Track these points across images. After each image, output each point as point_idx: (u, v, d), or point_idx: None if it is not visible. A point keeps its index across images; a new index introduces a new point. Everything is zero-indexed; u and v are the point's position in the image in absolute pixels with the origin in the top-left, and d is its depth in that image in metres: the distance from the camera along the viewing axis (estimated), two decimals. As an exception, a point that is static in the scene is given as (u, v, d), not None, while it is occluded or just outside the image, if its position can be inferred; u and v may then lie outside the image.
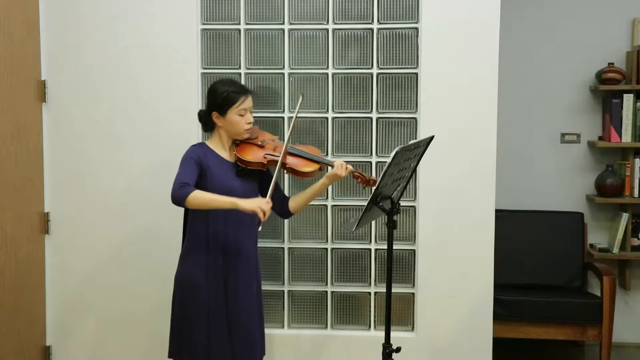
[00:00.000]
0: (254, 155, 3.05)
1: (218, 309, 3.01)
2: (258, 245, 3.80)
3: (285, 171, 3.11)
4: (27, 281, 3.69)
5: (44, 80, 3.79)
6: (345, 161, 3.15)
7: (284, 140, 3.12)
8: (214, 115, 3.04)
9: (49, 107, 3.81)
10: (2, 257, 3.47)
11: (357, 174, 3.12)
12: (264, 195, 2.97)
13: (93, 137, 3.79)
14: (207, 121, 3.10)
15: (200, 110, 3.14)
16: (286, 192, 3.60)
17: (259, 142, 3.10)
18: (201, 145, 3.07)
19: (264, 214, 2.80)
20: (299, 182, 3.69)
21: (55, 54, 3.78)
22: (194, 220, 3.05)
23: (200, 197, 2.83)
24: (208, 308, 3.00)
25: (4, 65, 3.48)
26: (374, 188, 2.83)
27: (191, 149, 3.04)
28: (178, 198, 2.83)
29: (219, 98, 3.01)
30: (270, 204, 2.87)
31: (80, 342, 3.87)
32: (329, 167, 3.11)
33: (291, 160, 3.09)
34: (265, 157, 3.04)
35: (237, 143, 3.09)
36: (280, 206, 3.19)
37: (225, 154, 3.08)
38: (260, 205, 2.80)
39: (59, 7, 3.76)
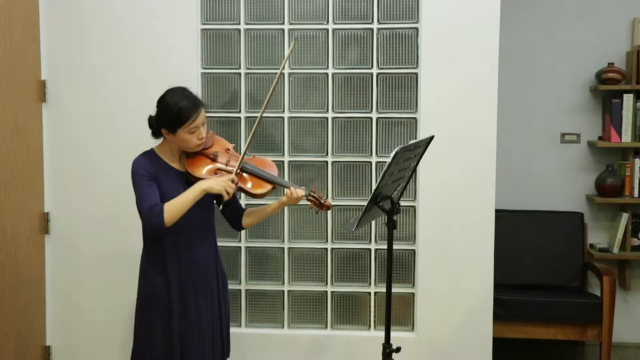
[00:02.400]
0: (204, 171, 2.89)
1: (176, 322, 2.87)
2: (258, 245, 3.83)
3: (236, 189, 2.94)
4: (27, 281, 3.69)
5: (44, 80, 3.80)
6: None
7: (239, 151, 3.01)
8: (164, 131, 2.87)
9: (49, 107, 3.81)
10: (2, 257, 3.46)
11: (310, 198, 2.98)
12: (222, 204, 2.95)
13: (93, 137, 3.79)
14: (156, 129, 2.92)
15: (151, 116, 2.94)
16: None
17: (212, 155, 2.94)
18: (149, 154, 2.90)
19: (229, 194, 2.80)
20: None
21: (55, 54, 3.78)
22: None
23: (174, 210, 2.73)
24: (168, 321, 2.86)
25: (4, 65, 3.48)
26: (375, 186, 2.81)
27: (138, 161, 2.86)
28: (156, 225, 2.72)
29: (169, 115, 2.82)
30: (236, 181, 2.84)
31: (80, 342, 3.87)
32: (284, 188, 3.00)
33: (242, 183, 2.93)
34: (216, 173, 2.89)
35: (188, 154, 2.92)
36: (234, 219, 3.11)
37: (175, 163, 2.92)
38: (225, 187, 2.78)
39: (59, 7, 3.76)
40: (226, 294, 3.10)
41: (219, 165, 2.94)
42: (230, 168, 2.92)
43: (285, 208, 3.77)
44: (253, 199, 3.12)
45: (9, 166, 3.52)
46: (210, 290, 2.98)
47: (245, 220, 3.11)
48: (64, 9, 3.77)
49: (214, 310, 2.99)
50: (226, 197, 2.79)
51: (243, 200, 3.66)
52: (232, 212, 3.09)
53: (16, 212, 3.58)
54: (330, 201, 3.06)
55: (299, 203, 3.00)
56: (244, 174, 2.96)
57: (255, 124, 2.98)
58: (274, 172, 3.03)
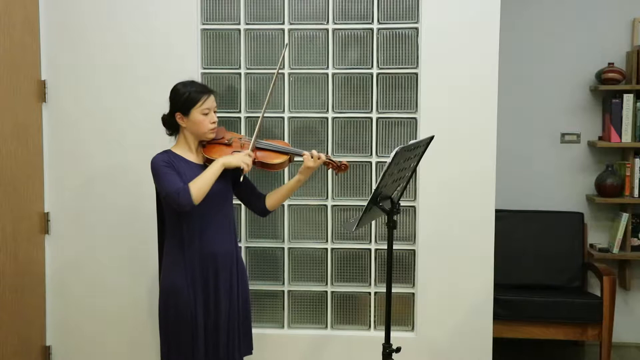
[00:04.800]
0: (221, 154, 3.02)
1: (200, 312, 2.98)
2: (258, 245, 3.83)
3: (255, 166, 3.08)
4: (27, 281, 3.69)
5: (44, 80, 3.79)
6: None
7: (251, 138, 3.11)
8: (178, 116, 2.99)
9: (49, 107, 3.81)
10: (2, 257, 3.46)
11: (327, 161, 3.12)
12: (239, 196, 3.19)
13: (93, 137, 3.79)
14: (171, 124, 3.06)
15: (164, 115, 3.08)
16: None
17: (226, 141, 3.09)
18: (166, 152, 3.01)
19: (247, 165, 2.95)
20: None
21: (55, 54, 3.78)
22: (170, 227, 3.01)
23: (200, 187, 2.85)
24: (192, 312, 2.96)
25: (4, 65, 3.48)
26: (375, 186, 2.82)
27: (157, 156, 2.97)
28: (185, 204, 2.83)
29: (181, 99, 2.98)
30: (252, 156, 3.00)
31: (80, 342, 3.87)
32: (300, 157, 3.12)
33: (259, 154, 3.09)
34: (233, 154, 3.02)
35: (204, 144, 3.05)
36: (257, 205, 3.20)
37: (192, 156, 3.03)
38: (243, 159, 2.95)
39: (59, 7, 3.76)
40: (246, 289, 3.16)
41: (234, 148, 3.09)
42: (244, 150, 3.06)
43: (286, 209, 3.77)
44: (271, 170, 3.22)
45: (9, 166, 3.52)
46: (230, 283, 3.05)
47: (270, 201, 3.19)
48: (64, 9, 3.77)
49: (233, 305, 3.05)
50: (245, 169, 2.94)
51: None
52: (253, 199, 3.19)
53: (16, 212, 3.58)
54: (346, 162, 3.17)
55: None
56: (259, 152, 3.10)
57: (262, 114, 3.13)
58: (287, 146, 3.20)
